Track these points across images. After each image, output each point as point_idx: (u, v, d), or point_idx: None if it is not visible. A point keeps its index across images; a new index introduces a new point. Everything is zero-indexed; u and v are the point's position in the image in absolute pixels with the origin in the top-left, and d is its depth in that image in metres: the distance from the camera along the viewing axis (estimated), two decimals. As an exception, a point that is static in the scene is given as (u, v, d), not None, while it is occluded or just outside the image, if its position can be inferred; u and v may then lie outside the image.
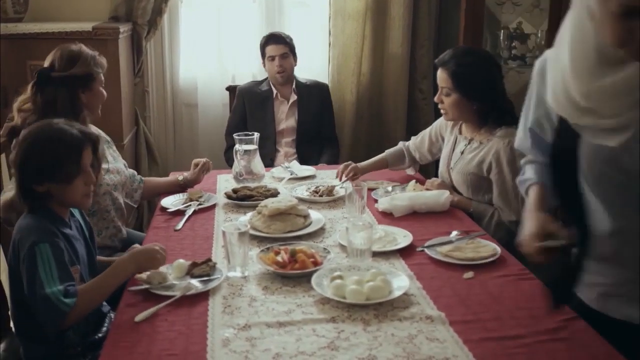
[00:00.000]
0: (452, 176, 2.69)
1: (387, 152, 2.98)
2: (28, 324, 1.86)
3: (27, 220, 1.86)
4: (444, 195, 2.51)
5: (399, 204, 2.46)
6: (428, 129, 2.91)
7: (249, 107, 3.79)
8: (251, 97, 3.79)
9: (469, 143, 2.64)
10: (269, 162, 3.53)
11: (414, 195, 2.53)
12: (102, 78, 2.49)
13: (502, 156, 2.46)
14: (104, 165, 2.47)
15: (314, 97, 3.81)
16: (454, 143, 2.73)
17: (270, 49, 3.70)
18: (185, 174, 2.85)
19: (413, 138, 2.96)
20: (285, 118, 3.79)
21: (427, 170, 3.55)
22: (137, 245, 2.11)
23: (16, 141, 1.93)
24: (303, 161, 3.42)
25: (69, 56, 2.39)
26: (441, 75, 2.60)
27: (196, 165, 2.84)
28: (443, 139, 2.83)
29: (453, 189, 2.66)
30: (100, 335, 1.96)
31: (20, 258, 1.79)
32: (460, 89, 2.55)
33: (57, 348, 1.89)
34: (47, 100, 2.32)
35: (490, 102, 2.56)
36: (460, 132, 2.73)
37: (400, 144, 2.99)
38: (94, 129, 2.37)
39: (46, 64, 2.40)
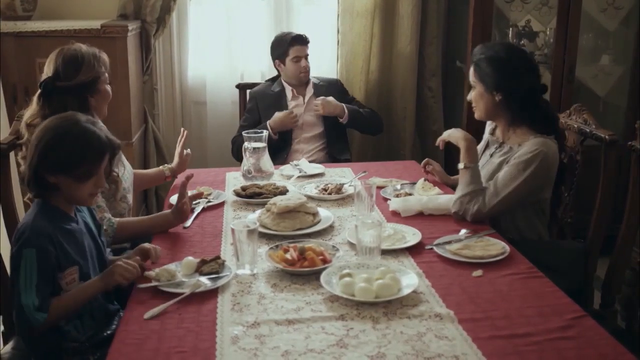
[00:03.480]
0: None
1: None
2: None
3: (28, 218, 1.87)
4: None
5: (411, 208, 2.43)
6: None
7: (262, 107, 3.71)
8: (264, 97, 3.72)
9: (499, 146, 2.53)
10: (283, 158, 3.50)
11: (427, 200, 2.46)
12: (107, 76, 2.42)
13: (524, 159, 2.32)
14: (122, 169, 2.47)
15: (330, 93, 3.70)
16: (485, 144, 2.64)
17: (296, 50, 3.64)
18: (170, 164, 2.88)
19: None
20: (304, 112, 3.70)
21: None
22: (147, 245, 2.11)
23: (36, 130, 1.92)
24: (338, 153, 3.30)
25: (72, 61, 2.29)
26: (470, 71, 2.51)
27: (180, 154, 2.86)
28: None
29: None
30: (109, 332, 1.96)
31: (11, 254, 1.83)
32: (481, 78, 2.46)
33: (58, 345, 1.89)
34: (56, 111, 2.18)
35: (517, 97, 2.41)
36: (492, 134, 2.62)
37: None
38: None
39: (47, 71, 2.31)
